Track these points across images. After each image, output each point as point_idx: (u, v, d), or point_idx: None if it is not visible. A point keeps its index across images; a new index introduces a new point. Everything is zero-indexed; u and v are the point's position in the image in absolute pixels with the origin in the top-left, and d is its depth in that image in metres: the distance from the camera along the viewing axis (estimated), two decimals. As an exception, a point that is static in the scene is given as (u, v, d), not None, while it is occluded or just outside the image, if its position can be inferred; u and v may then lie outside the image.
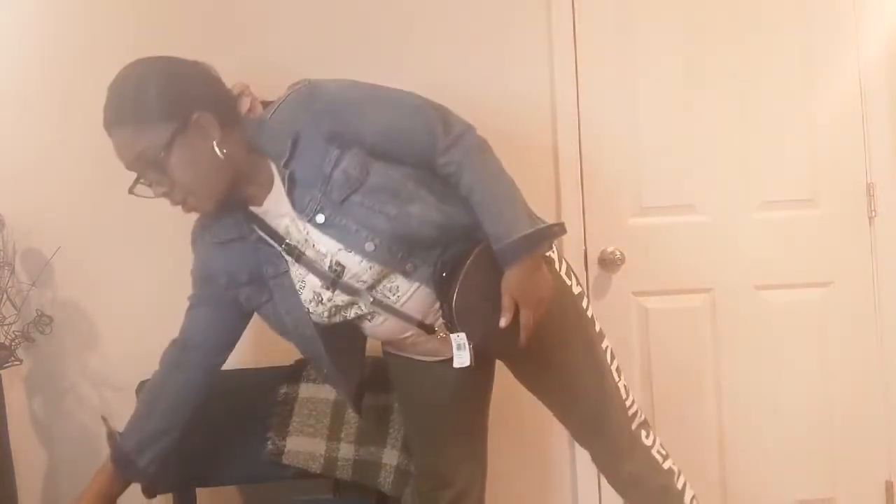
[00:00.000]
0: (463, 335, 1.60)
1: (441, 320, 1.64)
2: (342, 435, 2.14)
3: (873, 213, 2.56)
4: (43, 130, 2.36)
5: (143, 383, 2.23)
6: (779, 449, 2.54)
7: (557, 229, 1.68)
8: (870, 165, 2.56)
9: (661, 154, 2.52)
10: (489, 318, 1.61)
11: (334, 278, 1.59)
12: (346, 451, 2.12)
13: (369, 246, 1.55)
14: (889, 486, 2.56)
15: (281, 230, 1.60)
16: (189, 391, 1.79)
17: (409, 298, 1.62)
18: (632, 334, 2.54)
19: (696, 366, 2.54)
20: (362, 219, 1.54)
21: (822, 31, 2.56)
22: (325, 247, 1.58)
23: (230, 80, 1.64)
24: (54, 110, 2.36)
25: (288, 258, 1.61)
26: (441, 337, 1.65)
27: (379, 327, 1.69)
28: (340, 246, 1.56)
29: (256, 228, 1.62)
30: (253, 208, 1.61)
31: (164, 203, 2.34)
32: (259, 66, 2.39)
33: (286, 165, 1.54)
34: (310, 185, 1.54)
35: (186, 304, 2.34)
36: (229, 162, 1.53)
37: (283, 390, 2.20)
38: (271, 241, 1.61)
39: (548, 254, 1.72)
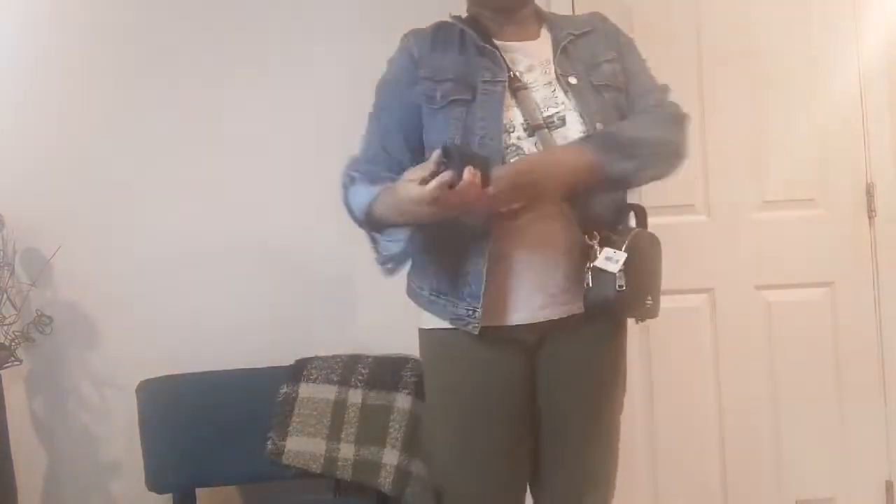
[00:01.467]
0: (623, 257, 1.56)
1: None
2: (342, 435, 2.14)
3: (873, 213, 2.56)
4: (43, 131, 2.36)
5: (143, 383, 2.24)
6: (779, 449, 2.54)
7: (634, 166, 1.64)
8: (870, 165, 2.56)
9: (661, 154, 2.52)
10: (645, 291, 1.61)
11: (544, 126, 1.62)
12: (346, 451, 2.12)
13: (599, 126, 1.62)
14: (889, 486, 2.56)
15: (520, 66, 1.68)
16: None
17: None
18: (632, 334, 2.52)
19: (696, 366, 2.54)
20: (603, 108, 1.65)
21: (822, 31, 2.55)
22: (565, 100, 1.65)
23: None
24: (54, 111, 2.37)
25: (504, 81, 1.65)
26: (590, 240, 1.59)
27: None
28: (575, 108, 1.63)
29: (487, 52, 1.67)
30: (497, 41, 1.70)
31: (165, 204, 2.36)
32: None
33: (573, 36, 1.71)
34: (577, 60, 1.69)
35: (187, 304, 2.36)
36: None
37: (283, 390, 2.20)
38: (502, 60, 1.67)
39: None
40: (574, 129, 1.62)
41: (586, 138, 1.60)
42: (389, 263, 1.68)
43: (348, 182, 1.68)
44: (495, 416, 1.67)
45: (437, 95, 1.64)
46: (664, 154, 1.70)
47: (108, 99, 2.37)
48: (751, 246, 2.54)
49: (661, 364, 2.54)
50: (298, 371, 2.22)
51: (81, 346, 2.36)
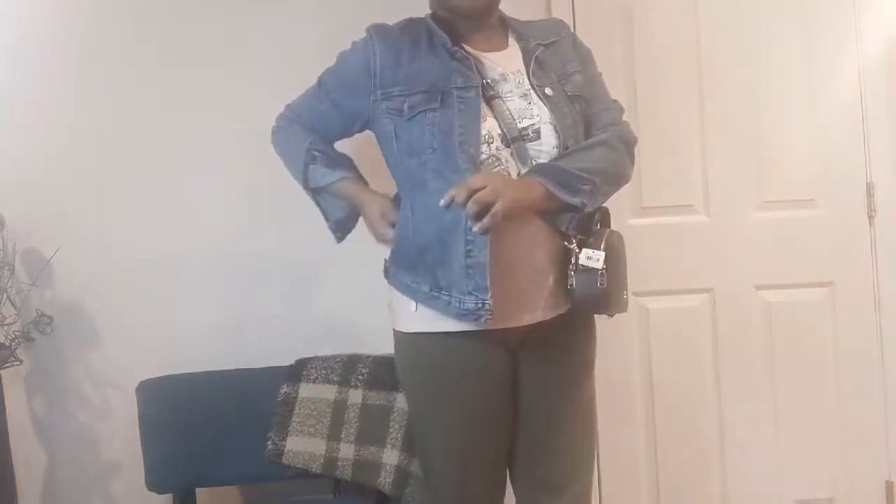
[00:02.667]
0: (602, 256, 1.63)
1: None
2: (342, 435, 2.14)
3: (873, 213, 2.56)
4: (43, 131, 2.36)
5: (143, 383, 2.24)
6: (779, 449, 2.54)
7: (587, 187, 1.66)
8: (870, 165, 2.56)
9: (661, 154, 2.52)
10: (622, 286, 1.70)
11: (519, 138, 1.66)
12: (346, 451, 2.12)
13: (571, 142, 1.68)
14: (889, 486, 2.56)
15: (492, 74, 1.71)
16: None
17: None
18: (632, 334, 2.53)
19: (696, 366, 2.54)
20: (576, 121, 1.71)
21: (822, 30, 2.55)
22: (541, 112, 1.69)
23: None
24: (55, 111, 2.36)
25: (476, 90, 1.68)
26: (568, 244, 1.66)
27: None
28: (550, 120, 1.68)
29: (458, 56, 1.71)
30: (467, 47, 1.73)
31: (165, 204, 2.36)
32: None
33: (542, 46, 1.75)
34: (549, 70, 1.73)
35: (187, 304, 2.36)
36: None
37: (284, 390, 2.20)
38: (475, 68, 1.70)
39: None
40: (548, 142, 1.67)
41: (539, 169, 1.65)
42: (339, 231, 1.90)
43: (309, 161, 1.84)
44: (482, 417, 1.74)
45: (404, 108, 1.69)
46: (614, 182, 1.76)
47: (109, 99, 2.37)
48: (751, 246, 2.54)
49: (661, 364, 2.54)
50: (298, 371, 2.22)
51: (81, 346, 2.35)
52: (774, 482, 2.54)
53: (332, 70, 1.83)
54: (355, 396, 2.16)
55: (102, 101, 2.38)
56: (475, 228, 1.59)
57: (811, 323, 2.55)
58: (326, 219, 1.89)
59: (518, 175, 1.66)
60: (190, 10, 2.39)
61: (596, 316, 1.80)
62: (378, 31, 1.77)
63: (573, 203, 1.63)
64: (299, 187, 2.37)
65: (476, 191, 1.56)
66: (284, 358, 2.26)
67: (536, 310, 1.69)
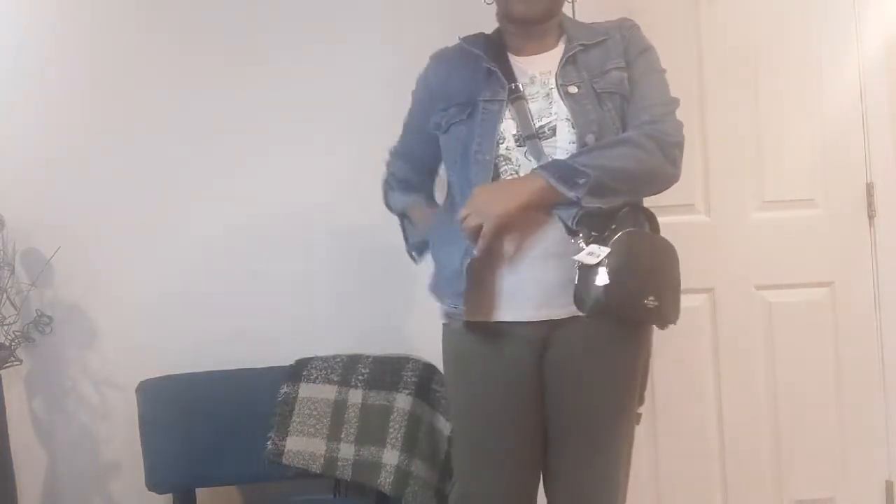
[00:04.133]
0: (605, 252, 1.58)
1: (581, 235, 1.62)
2: (342, 435, 2.14)
3: (873, 213, 2.56)
4: (43, 132, 2.36)
5: (143, 383, 2.24)
6: (779, 449, 2.54)
7: (582, 181, 1.62)
8: (870, 165, 2.56)
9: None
10: (639, 289, 1.59)
11: (534, 136, 1.67)
12: (346, 451, 2.13)
13: (591, 138, 1.66)
14: (889, 486, 2.56)
15: (523, 78, 1.73)
16: None
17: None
18: (632, 334, 2.53)
19: (696, 366, 2.54)
20: (602, 116, 1.68)
21: (822, 31, 2.55)
22: (559, 110, 1.69)
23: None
24: (55, 111, 2.37)
25: (504, 96, 1.72)
26: (574, 241, 1.62)
27: None
28: (568, 117, 1.68)
29: (496, 66, 1.74)
30: (511, 55, 1.77)
31: (165, 205, 2.36)
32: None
33: (582, 46, 1.74)
34: (584, 68, 1.72)
35: (187, 304, 2.37)
36: (556, 2, 1.77)
37: (284, 390, 2.20)
38: (503, 78, 1.73)
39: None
40: (564, 138, 1.67)
41: (545, 165, 1.64)
42: (414, 251, 1.91)
43: (388, 189, 1.93)
44: (498, 410, 1.71)
45: (442, 122, 1.77)
46: (635, 180, 1.68)
47: (109, 99, 2.37)
48: (751, 246, 2.54)
49: (661, 364, 2.53)
50: (298, 371, 2.22)
51: (81, 346, 2.35)
52: (774, 482, 2.54)
53: (413, 94, 1.90)
54: (355, 396, 2.16)
55: (102, 101, 2.38)
56: (475, 253, 1.64)
57: (811, 323, 2.55)
58: (406, 240, 1.93)
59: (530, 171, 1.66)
60: (195, 8, 2.40)
61: (656, 329, 1.73)
62: (436, 53, 1.86)
63: (569, 196, 1.60)
64: (297, 188, 2.39)
65: (463, 220, 1.64)
66: (284, 358, 2.26)
67: (543, 307, 1.66)
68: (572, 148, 1.66)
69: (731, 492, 2.54)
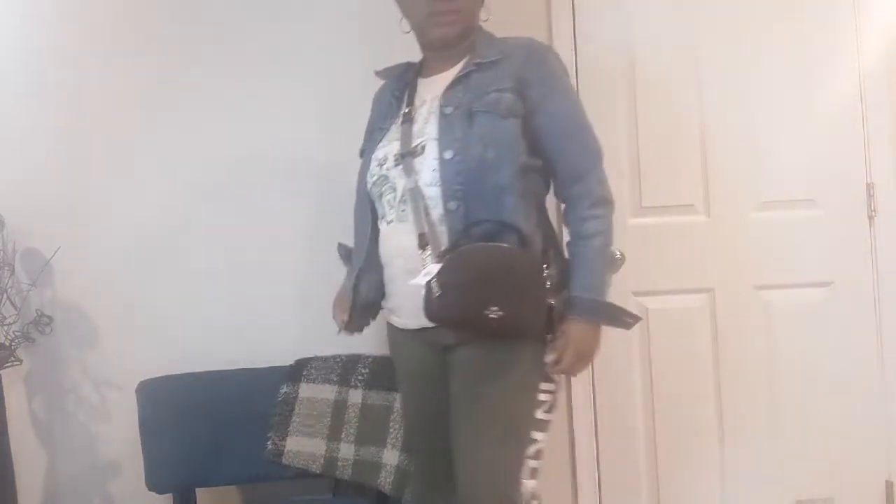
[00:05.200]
0: (436, 269, 1.67)
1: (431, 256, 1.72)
2: (342, 435, 2.14)
3: (873, 213, 2.56)
4: (43, 131, 2.36)
5: (143, 383, 2.24)
6: (778, 449, 2.54)
7: (631, 322, 1.81)
8: (870, 165, 2.56)
9: (663, 154, 2.52)
10: (472, 301, 1.66)
11: (409, 154, 1.76)
12: (346, 451, 2.13)
13: (448, 153, 1.72)
14: (889, 486, 2.56)
15: (417, 101, 1.83)
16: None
17: (431, 218, 1.74)
18: (632, 334, 2.52)
19: (696, 366, 2.54)
20: (467, 135, 1.72)
21: (821, 30, 2.55)
22: (431, 130, 1.76)
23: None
24: (54, 111, 2.37)
25: (399, 120, 1.83)
26: (423, 258, 1.71)
27: (389, 228, 1.80)
28: (436, 136, 1.74)
29: (403, 90, 1.87)
30: (420, 79, 1.87)
31: (164, 205, 2.36)
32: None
33: (476, 65, 1.78)
34: (469, 89, 1.77)
35: (187, 304, 2.37)
36: (473, 23, 1.84)
37: (284, 390, 2.20)
38: (405, 101, 1.85)
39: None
40: (430, 155, 1.75)
41: (586, 310, 1.75)
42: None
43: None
44: (416, 409, 1.91)
45: (362, 150, 1.92)
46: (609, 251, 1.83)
47: (109, 99, 2.37)
48: (751, 246, 2.54)
49: (661, 364, 2.54)
50: (298, 371, 2.22)
51: (81, 346, 2.36)
52: (774, 482, 2.53)
53: None
54: (355, 396, 2.16)
55: (103, 101, 2.38)
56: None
57: (811, 323, 2.55)
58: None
59: (403, 189, 1.75)
60: (195, 8, 2.40)
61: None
62: (379, 89, 1.99)
63: (622, 320, 1.80)
64: (296, 188, 2.39)
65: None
66: (284, 358, 2.26)
67: (418, 317, 1.74)
68: (435, 164, 1.73)
69: (731, 492, 2.54)
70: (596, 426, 2.52)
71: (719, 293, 2.55)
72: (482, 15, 1.87)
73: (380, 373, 2.16)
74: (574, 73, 2.50)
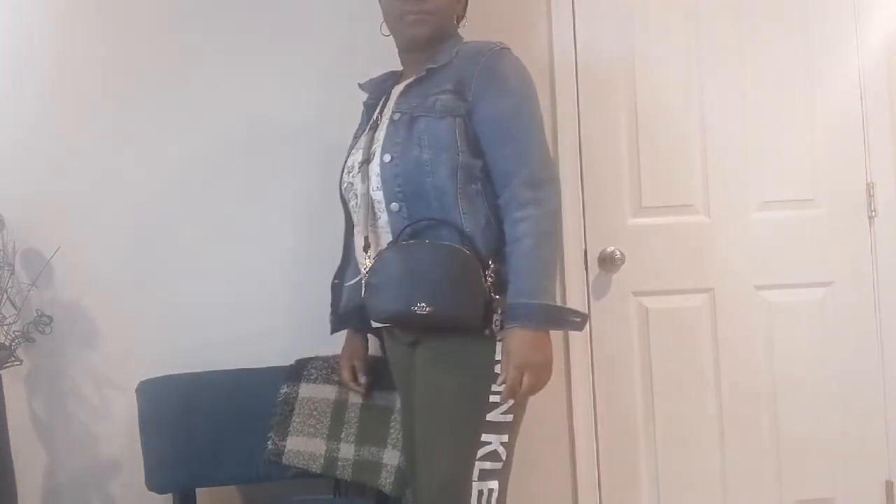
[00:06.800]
0: (367, 268, 1.78)
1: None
2: (342, 435, 2.14)
3: (873, 213, 2.56)
4: (43, 131, 2.36)
5: (143, 383, 2.24)
6: (778, 449, 2.54)
7: (579, 322, 1.76)
8: (870, 165, 2.57)
9: (661, 154, 2.52)
10: (397, 297, 1.72)
11: (365, 161, 1.82)
12: (346, 451, 2.12)
13: (387, 157, 1.77)
14: (889, 486, 2.56)
15: (387, 108, 1.86)
16: None
17: (379, 221, 1.82)
18: (632, 334, 2.53)
19: (696, 366, 2.54)
20: (406, 138, 1.76)
21: (822, 31, 2.56)
22: (381, 136, 1.82)
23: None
24: (54, 110, 2.36)
25: (367, 129, 1.88)
26: (365, 260, 1.81)
27: (356, 232, 1.87)
28: (380, 142, 1.80)
29: (380, 99, 1.92)
30: (395, 86, 1.90)
31: (164, 204, 2.36)
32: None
33: (427, 71, 1.80)
34: (419, 94, 1.79)
35: (187, 304, 2.37)
36: (446, 26, 1.86)
37: (284, 390, 2.20)
38: (376, 110, 1.90)
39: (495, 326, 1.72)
40: (376, 160, 1.80)
41: (527, 318, 1.68)
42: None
43: None
44: (402, 404, 1.99)
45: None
46: (558, 233, 1.80)
47: (109, 99, 2.37)
48: (751, 246, 2.54)
49: (661, 364, 2.54)
50: (298, 371, 2.22)
51: (81, 346, 2.35)
52: (774, 482, 2.54)
53: None
54: (355, 396, 2.16)
55: (103, 101, 2.38)
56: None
57: (811, 323, 2.55)
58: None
59: (361, 196, 1.81)
60: (195, 8, 2.40)
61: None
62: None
63: (569, 321, 1.77)
64: (300, 189, 2.39)
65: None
66: (284, 358, 2.26)
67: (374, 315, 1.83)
68: (378, 169, 1.78)
69: (731, 492, 2.54)
70: (596, 426, 2.52)
71: (719, 293, 2.55)
72: (460, 22, 1.92)
73: (380, 373, 2.16)
74: (574, 75, 2.51)
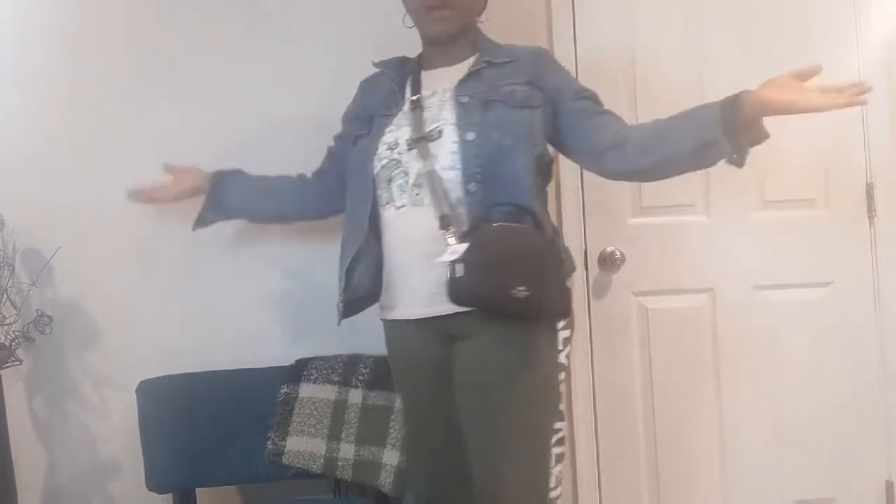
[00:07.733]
0: (462, 248, 1.66)
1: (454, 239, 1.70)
2: (342, 435, 2.14)
3: (873, 213, 2.56)
4: (43, 131, 2.36)
5: (143, 383, 2.24)
6: (779, 449, 2.54)
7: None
8: (870, 165, 2.57)
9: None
10: (499, 280, 1.64)
11: (424, 138, 1.78)
12: (346, 451, 2.13)
13: (470, 135, 1.76)
14: (889, 486, 2.56)
15: (426, 91, 1.86)
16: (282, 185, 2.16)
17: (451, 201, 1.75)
18: (632, 334, 2.54)
19: (696, 366, 2.54)
20: (484, 121, 1.77)
21: (822, 30, 2.56)
22: (448, 116, 1.79)
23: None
24: (54, 110, 2.36)
25: (406, 107, 1.85)
26: (448, 242, 1.69)
27: (399, 213, 1.79)
28: (454, 121, 1.78)
29: (404, 80, 1.91)
30: (423, 71, 1.91)
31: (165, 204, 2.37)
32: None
33: (487, 63, 1.84)
34: (483, 83, 1.82)
35: (187, 304, 2.37)
36: (472, 20, 1.91)
37: (284, 390, 2.20)
38: (407, 89, 1.88)
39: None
40: (448, 138, 1.77)
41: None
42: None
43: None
44: (422, 405, 1.86)
45: (351, 135, 1.94)
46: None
47: (109, 99, 2.37)
48: (751, 246, 2.54)
49: (661, 364, 2.54)
50: (298, 371, 2.22)
51: (81, 346, 2.35)
52: (774, 482, 2.54)
53: (342, 119, 2.07)
54: (356, 396, 2.16)
55: (103, 101, 2.38)
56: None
57: (811, 323, 2.55)
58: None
59: (417, 173, 1.76)
60: (194, 8, 2.40)
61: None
62: (365, 79, 2.02)
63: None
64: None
65: None
66: (284, 358, 2.26)
67: (430, 304, 1.75)
68: (454, 147, 1.76)
69: (731, 492, 2.54)
70: (596, 426, 2.52)
71: (719, 293, 2.55)
72: (480, 16, 1.93)
73: (380, 373, 2.16)
74: (574, 75, 2.50)
